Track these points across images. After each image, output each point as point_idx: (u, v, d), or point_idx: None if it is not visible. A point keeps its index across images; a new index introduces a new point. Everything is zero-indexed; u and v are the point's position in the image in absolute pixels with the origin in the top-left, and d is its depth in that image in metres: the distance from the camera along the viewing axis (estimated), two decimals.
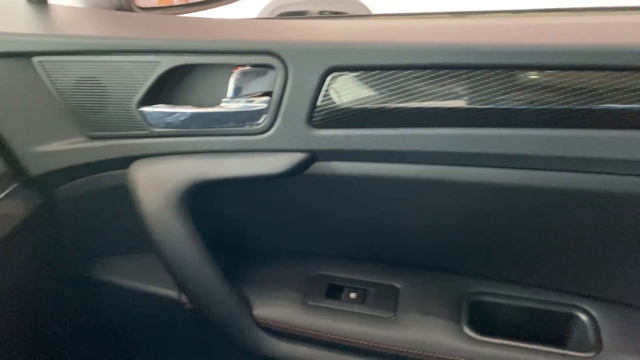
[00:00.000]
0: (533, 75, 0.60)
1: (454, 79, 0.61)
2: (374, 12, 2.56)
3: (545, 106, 0.60)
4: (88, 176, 0.76)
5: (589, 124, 0.60)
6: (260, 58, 0.64)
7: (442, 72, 0.61)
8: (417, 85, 0.62)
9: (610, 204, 0.66)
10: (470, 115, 0.63)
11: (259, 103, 0.67)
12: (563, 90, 0.59)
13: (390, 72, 0.62)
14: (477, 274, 0.83)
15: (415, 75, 0.62)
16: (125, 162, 0.73)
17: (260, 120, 0.67)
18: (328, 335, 0.80)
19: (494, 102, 0.61)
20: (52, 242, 0.84)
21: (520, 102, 0.61)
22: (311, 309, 0.82)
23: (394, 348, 0.78)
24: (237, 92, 0.67)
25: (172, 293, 0.86)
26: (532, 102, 0.60)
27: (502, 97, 0.61)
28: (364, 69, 0.63)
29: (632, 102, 0.58)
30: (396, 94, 0.63)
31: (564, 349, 0.74)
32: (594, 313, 0.77)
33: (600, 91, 0.59)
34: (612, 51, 0.56)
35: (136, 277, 0.88)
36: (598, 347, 0.73)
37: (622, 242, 0.71)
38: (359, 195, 0.75)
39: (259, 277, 0.87)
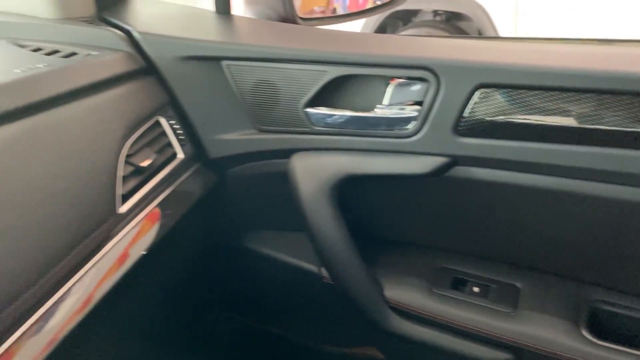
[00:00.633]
0: None
1: (597, 102, 0.65)
2: (491, 13, 2.62)
3: None
4: (255, 162, 0.88)
5: None
6: (416, 72, 0.73)
7: (585, 95, 0.65)
8: (559, 105, 0.67)
9: None
10: (608, 135, 0.66)
11: (410, 111, 0.75)
12: None
13: (535, 92, 0.67)
14: (599, 283, 0.84)
15: (559, 96, 0.66)
16: (287, 153, 0.84)
17: (409, 126, 0.75)
18: (451, 321, 0.86)
19: (634, 126, 0.64)
20: (219, 215, 0.98)
21: None
22: (436, 297, 0.88)
23: (512, 340, 0.82)
24: (392, 100, 0.76)
25: (313, 267, 0.96)
26: None
27: None
28: (510, 87, 0.68)
29: None
30: (538, 111, 0.68)
31: None
32: None
33: None
34: None
35: (284, 250, 0.99)
36: None
37: None
38: (492, 200, 0.80)
39: (391, 264, 0.94)
